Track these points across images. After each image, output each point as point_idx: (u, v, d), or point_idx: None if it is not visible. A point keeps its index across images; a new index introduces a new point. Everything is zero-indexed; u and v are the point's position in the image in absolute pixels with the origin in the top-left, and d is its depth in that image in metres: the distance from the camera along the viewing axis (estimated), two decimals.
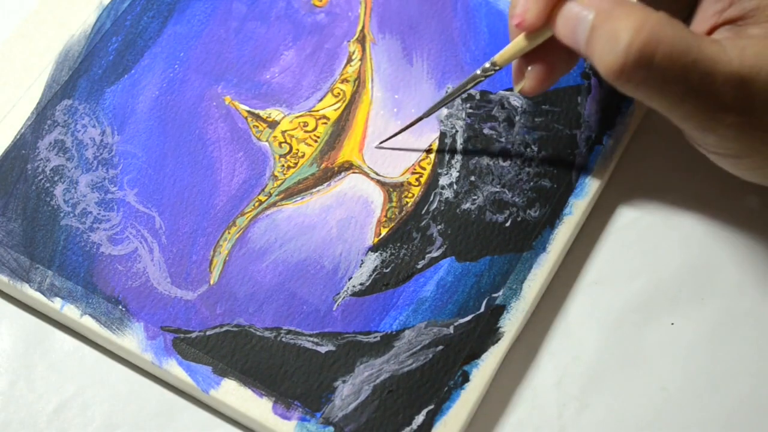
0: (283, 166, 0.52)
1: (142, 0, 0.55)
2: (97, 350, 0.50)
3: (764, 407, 0.50)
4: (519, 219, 0.51)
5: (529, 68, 0.49)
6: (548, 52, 0.48)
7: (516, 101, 0.54)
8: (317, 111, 0.54)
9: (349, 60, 0.55)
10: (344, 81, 0.54)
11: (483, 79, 0.50)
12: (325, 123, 0.53)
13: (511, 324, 0.49)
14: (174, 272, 0.50)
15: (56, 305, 0.49)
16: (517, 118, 0.54)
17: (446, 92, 0.54)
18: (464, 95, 0.54)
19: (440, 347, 0.49)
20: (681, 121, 0.45)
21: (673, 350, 0.51)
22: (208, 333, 0.48)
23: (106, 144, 0.52)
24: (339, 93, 0.54)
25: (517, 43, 0.48)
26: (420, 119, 0.52)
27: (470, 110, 0.54)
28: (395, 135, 0.53)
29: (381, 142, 0.53)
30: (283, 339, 0.49)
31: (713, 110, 0.44)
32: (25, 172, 0.51)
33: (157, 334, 0.48)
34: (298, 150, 0.53)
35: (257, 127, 0.53)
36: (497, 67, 0.49)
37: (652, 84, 0.43)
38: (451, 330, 0.49)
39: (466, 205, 0.52)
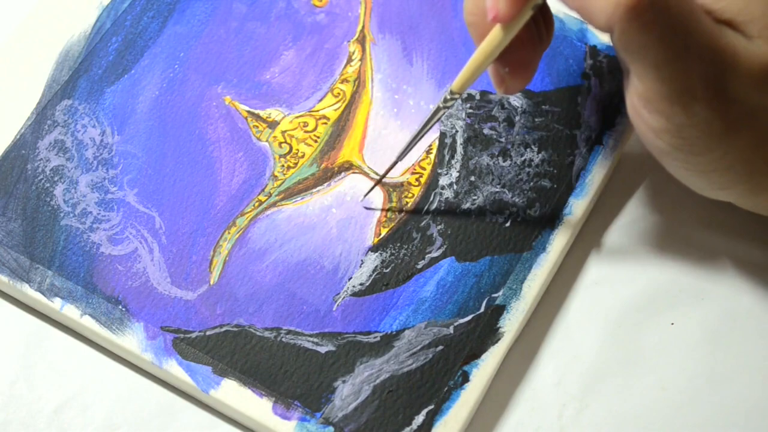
0: (283, 166, 0.52)
1: (142, 0, 0.55)
2: (97, 350, 0.50)
3: (764, 407, 0.50)
4: (519, 219, 0.51)
5: (506, 69, 0.47)
6: (518, 47, 0.47)
7: (516, 101, 0.54)
8: (317, 111, 0.54)
9: (349, 60, 0.55)
10: (344, 81, 0.54)
11: (445, 111, 0.49)
12: (325, 123, 0.53)
13: (511, 324, 0.49)
14: (174, 272, 0.50)
15: (56, 305, 0.49)
16: (517, 118, 0.53)
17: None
18: (464, 95, 0.54)
19: (440, 347, 0.49)
20: (655, 83, 0.44)
21: (673, 350, 0.51)
22: (208, 333, 0.48)
23: (106, 144, 0.52)
24: (339, 93, 0.54)
25: (493, 39, 0.46)
26: (395, 163, 0.51)
27: (470, 110, 0.54)
28: (374, 187, 0.52)
29: (365, 195, 0.52)
30: (283, 339, 0.49)
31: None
32: (25, 172, 0.51)
33: (157, 334, 0.48)
34: (298, 150, 0.53)
35: (257, 127, 0.53)
36: (457, 96, 0.48)
37: (660, 29, 0.42)
38: (451, 330, 0.49)
39: (466, 205, 0.52)
